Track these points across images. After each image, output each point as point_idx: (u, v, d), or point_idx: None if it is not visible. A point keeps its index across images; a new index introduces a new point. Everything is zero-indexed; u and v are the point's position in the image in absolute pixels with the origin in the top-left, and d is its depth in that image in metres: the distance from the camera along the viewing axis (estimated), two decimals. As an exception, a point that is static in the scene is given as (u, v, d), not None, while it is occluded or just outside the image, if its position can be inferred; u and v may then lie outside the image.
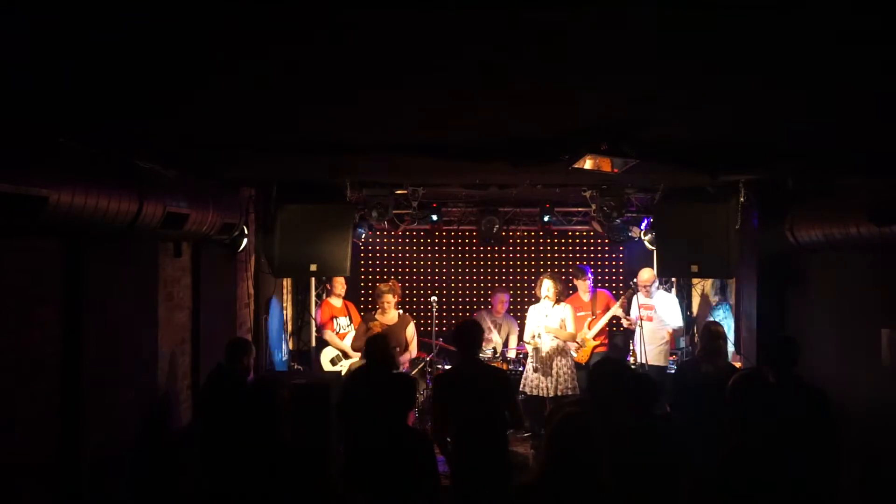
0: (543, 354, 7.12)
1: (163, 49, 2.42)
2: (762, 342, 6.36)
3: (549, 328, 7.13)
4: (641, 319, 7.42)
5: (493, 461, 4.66)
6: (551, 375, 7.06)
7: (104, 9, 2.04)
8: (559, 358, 7.09)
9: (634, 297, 7.53)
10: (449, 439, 4.88)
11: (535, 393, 7.12)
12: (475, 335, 4.93)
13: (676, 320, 7.70)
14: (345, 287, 8.22)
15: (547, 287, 7.24)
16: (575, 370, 7.16)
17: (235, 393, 5.01)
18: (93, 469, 4.36)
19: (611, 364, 4.69)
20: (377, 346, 5.35)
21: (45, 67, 2.60)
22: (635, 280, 7.65)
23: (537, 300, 7.39)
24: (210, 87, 2.99)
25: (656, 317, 7.51)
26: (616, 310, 7.73)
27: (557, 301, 7.25)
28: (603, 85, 2.89)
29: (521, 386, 7.24)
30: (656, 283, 7.68)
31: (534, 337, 7.17)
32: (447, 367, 8.03)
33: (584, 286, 7.96)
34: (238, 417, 5.00)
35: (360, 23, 2.15)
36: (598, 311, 7.77)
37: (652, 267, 7.67)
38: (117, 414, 4.77)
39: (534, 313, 7.35)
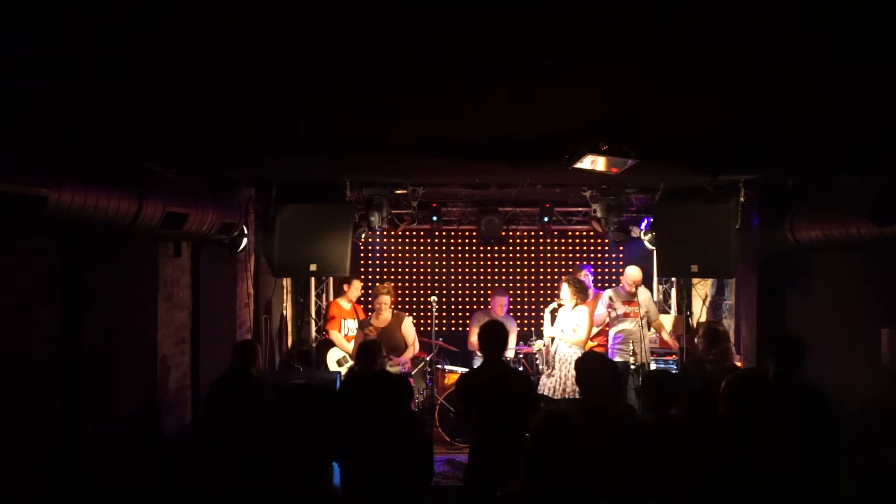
0: (550, 356, 7.16)
1: (166, 53, 2.42)
2: (762, 342, 6.36)
3: (562, 333, 7.17)
4: (640, 318, 7.47)
5: (511, 463, 4.66)
6: (553, 377, 7.06)
7: (108, 13, 2.04)
8: (565, 360, 7.08)
9: (613, 294, 7.70)
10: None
11: (542, 392, 7.18)
12: (501, 336, 4.92)
13: (655, 315, 7.79)
14: (360, 292, 8.22)
15: (564, 290, 7.27)
16: None
17: (251, 394, 5.06)
18: (92, 468, 4.36)
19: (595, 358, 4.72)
20: (361, 353, 5.41)
21: (46, 69, 2.60)
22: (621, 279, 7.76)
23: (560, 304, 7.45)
24: (211, 91, 2.99)
25: (641, 313, 7.58)
26: (602, 310, 7.86)
27: (576, 304, 7.24)
28: (603, 87, 2.90)
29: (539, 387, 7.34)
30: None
31: (548, 338, 7.28)
32: (447, 366, 8.05)
33: None
34: (241, 418, 5.02)
35: (379, 28, 2.15)
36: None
37: (651, 266, 7.71)
38: (117, 414, 4.77)
39: (550, 315, 7.47)
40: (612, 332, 7.84)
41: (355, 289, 8.14)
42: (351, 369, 6.06)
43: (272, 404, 5.20)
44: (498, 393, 4.69)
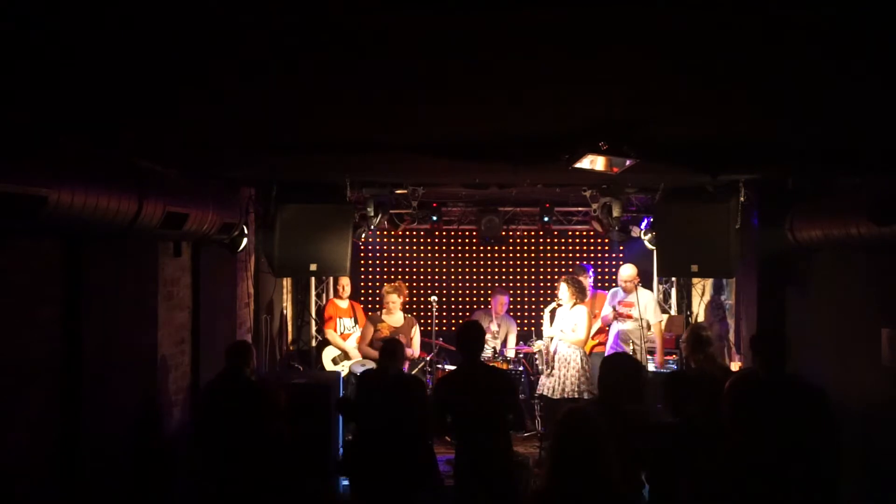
0: (549, 356, 7.15)
1: (166, 53, 2.42)
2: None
3: (561, 333, 7.16)
4: (630, 319, 7.43)
5: (495, 462, 4.66)
6: (553, 376, 7.06)
7: (108, 14, 2.04)
8: (565, 360, 7.07)
9: (612, 293, 7.69)
10: (448, 439, 4.88)
11: (541, 392, 7.18)
12: (477, 337, 4.92)
13: (656, 317, 7.73)
14: (347, 289, 8.21)
15: (562, 290, 7.27)
16: (586, 373, 7.10)
17: (244, 394, 5.05)
18: (92, 468, 4.36)
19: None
20: (394, 349, 5.32)
21: (46, 68, 2.60)
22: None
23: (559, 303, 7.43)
24: (212, 91, 2.99)
25: (635, 314, 7.50)
26: (608, 309, 7.82)
27: (575, 304, 7.23)
28: (604, 87, 2.90)
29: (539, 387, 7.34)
30: (638, 281, 7.72)
31: (548, 338, 7.26)
32: (447, 366, 8.05)
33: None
34: (238, 418, 5.02)
35: (378, 28, 2.15)
36: (596, 312, 7.80)
37: (651, 266, 7.67)
38: (117, 413, 4.77)
39: (550, 315, 7.48)
40: (611, 331, 7.84)
41: (345, 285, 8.14)
42: (369, 370, 5.96)
43: (272, 404, 5.20)
44: (478, 392, 4.68)
